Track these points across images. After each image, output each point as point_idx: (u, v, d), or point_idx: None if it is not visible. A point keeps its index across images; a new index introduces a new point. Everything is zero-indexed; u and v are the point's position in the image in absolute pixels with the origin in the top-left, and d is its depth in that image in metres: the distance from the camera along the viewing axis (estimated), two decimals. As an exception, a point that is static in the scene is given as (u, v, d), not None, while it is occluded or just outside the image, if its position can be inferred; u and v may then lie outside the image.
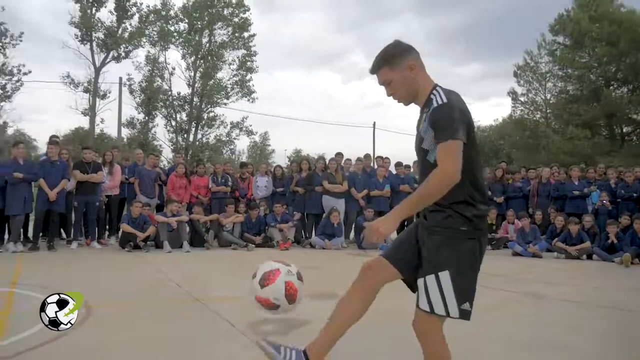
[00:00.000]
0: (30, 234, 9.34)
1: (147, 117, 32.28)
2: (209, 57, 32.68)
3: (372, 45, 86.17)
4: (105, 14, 30.05)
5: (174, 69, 32.62)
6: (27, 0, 48.16)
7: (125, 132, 32.77)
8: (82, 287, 5.71)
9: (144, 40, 30.70)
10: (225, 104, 33.78)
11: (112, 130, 31.75)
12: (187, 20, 32.02)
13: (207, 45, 32.86)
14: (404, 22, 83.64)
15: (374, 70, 2.41)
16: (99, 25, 29.11)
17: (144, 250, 9.17)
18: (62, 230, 9.99)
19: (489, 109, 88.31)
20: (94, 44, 29.38)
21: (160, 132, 33.51)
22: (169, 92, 32.72)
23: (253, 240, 10.14)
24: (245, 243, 9.96)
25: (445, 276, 2.21)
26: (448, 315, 2.23)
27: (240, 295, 5.83)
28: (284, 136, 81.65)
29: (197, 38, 32.34)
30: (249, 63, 33.62)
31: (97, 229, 9.77)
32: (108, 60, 29.88)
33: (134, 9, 30.09)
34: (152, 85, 31.52)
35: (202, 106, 33.21)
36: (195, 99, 33.08)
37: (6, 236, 8.97)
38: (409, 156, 12.99)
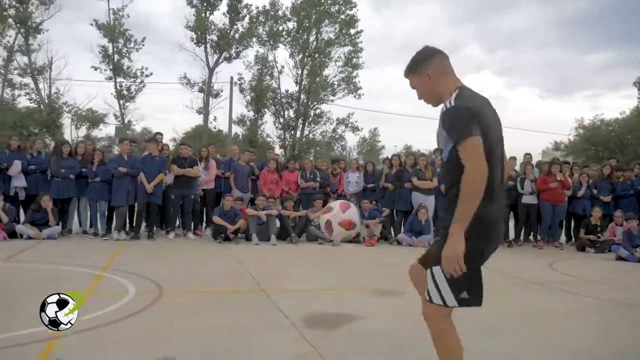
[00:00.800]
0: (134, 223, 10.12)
1: (256, 115, 33.56)
2: (316, 55, 33.25)
3: (490, 38, 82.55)
4: (218, 17, 31.68)
5: (282, 67, 33.60)
6: (154, 6, 51.98)
7: (236, 130, 34.37)
8: (164, 274, 6.17)
9: (254, 40, 31.91)
10: (331, 100, 34.26)
11: (224, 127, 33.37)
12: (295, 19, 32.80)
13: (314, 43, 33.45)
14: (524, 11, 79.33)
15: (405, 76, 2.64)
16: (213, 27, 30.74)
17: (234, 242, 9.58)
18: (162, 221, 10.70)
19: (619, 101, 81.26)
20: (208, 45, 31.09)
21: (269, 129, 34.72)
22: (278, 90, 33.75)
23: (339, 236, 10.22)
24: (331, 238, 10.06)
25: (437, 271, 2.39)
26: (446, 305, 2.40)
27: (308, 287, 5.97)
28: (395, 132, 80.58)
29: (304, 36, 33.04)
30: (354, 59, 33.72)
31: (192, 220, 10.38)
32: (221, 61, 31.49)
33: (245, 10, 31.39)
34: (262, 83, 32.69)
35: (309, 103, 33.88)
36: (302, 96, 33.83)
37: (113, 225, 9.80)
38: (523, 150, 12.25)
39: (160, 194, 9.68)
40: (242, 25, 31.65)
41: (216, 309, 4.76)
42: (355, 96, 34.13)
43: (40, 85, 29.62)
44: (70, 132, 31.72)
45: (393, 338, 4.05)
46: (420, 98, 2.60)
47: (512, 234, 11.15)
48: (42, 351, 3.37)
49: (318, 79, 33.02)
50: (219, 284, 6.06)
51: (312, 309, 4.81)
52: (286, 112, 34.21)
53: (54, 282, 5.74)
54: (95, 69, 29.39)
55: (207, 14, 30.70)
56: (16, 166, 9.35)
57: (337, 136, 36.28)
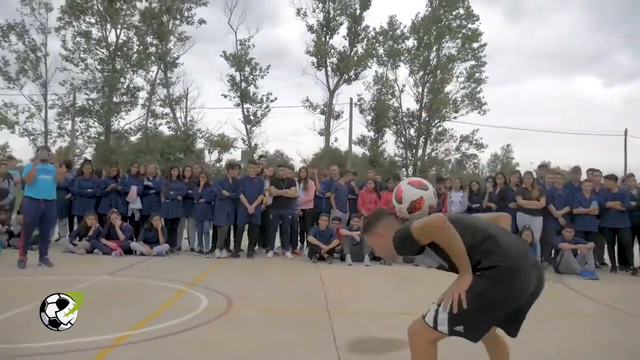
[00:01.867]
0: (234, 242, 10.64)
1: (377, 135, 33.70)
2: (437, 72, 32.73)
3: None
4: (338, 40, 32.49)
5: (404, 85, 33.48)
6: (284, 33, 54.73)
7: (356, 150, 34.78)
8: (242, 291, 6.43)
9: (373, 60, 32.24)
10: (454, 117, 33.40)
11: (344, 147, 33.99)
12: (415, 37, 32.63)
13: (435, 59, 32.96)
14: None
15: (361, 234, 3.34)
16: (332, 51, 31.61)
17: (328, 262, 9.68)
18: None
19: None
20: (329, 68, 32.00)
21: (390, 148, 34.64)
22: (399, 109, 33.65)
23: (438, 258, 9.86)
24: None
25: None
26: (435, 327, 2.53)
27: (375, 309, 5.85)
28: (532, 148, 75.60)
29: (424, 54, 32.71)
30: (477, 74, 32.63)
31: (290, 240, 10.66)
32: (341, 83, 32.21)
33: (364, 32, 31.89)
34: (382, 103, 32.83)
35: (430, 121, 33.33)
36: (423, 114, 33.39)
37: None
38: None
39: (260, 214, 10.09)
40: (362, 47, 32.18)
41: (271, 327, 4.85)
42: (480, 112, 33.00)
43: (178, 114, 32.51)
44: (204, 157, 34.27)
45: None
46: (378, 254, 2.97)
47: (637, 260, 9.98)
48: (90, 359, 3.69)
49: (439, 96, 32.43)
50: (290, 302, 6.15)
51: (366, 332, 4.72)
52: (407, 131, 33.96)
53: (139, 294, 6.25)
54: (225, 96, 31.62)
55: (327, 39, 31.66)
56: (132, 192, 10.35)
57: (468, 154, 35.33)
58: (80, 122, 32.25)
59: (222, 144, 32.43)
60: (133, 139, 32.98)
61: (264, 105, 31.82)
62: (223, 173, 11.50)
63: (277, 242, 10.82)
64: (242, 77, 31.26)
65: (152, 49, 31.11)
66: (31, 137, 31.65)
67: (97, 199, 10.47)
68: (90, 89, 31.41)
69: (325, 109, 32.49)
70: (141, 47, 31.29)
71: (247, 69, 31.12)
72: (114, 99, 31.68)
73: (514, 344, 2.91)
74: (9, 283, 6.75)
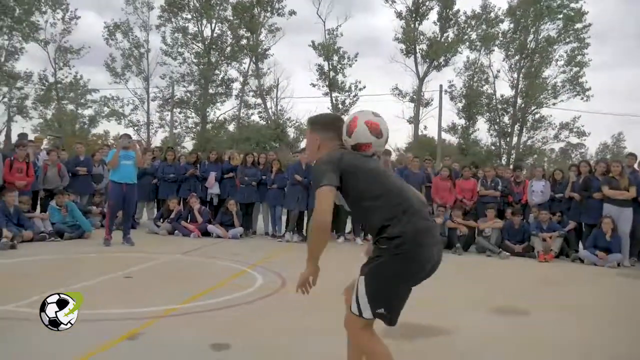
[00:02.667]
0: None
1: (468, 122, 32.68)
2: (535, 55, 31.06)
3: None
4: (428, 26, 31.78)
5: (498, 71, 32.15)
6: (374, 20, 54.33)
7: (447, 138, 33.95)
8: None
9: (464, 46, 31.23)
10: (553, 104, 31.55)
11: (433, 135, 33.30)
12: (510, 19, 31.15)
13: (532, 42, 31.28)
14: None
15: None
16: (422, 37, 30.99)
17: (396, 249, 9.63)
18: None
19: None
20: (418, 55, 31.42)
21: (483, 136, 33.48)
22: (493, 96, 32.37)
23: (512, 249, 9.50)
24: (500, 250, 9.41)
25: (360, 282, 2.55)
26: (361, 315, 2.53)
27: (423, 297, 5.72)
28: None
29: (521, 37, 31.15)
30: (579, 57, 30.55)
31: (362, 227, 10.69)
32: (430, 70, 31.52)
33: (455, 17, 30.93)
34: (474, 90, 31.76)
35: (527, 108, 31.74)
36: (519, 101, 31.88)
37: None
38: None
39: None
40: (453, 32, 31.26)
41: (315, 309, 4.93)
42: (583, 98, 30.93)
43: (268, 104, 33.43)
44: (298, 145, 35.02)
45: (458, 355, 3.79)
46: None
47: None
48: (134, 328, 3.99)
49: (537, 81, 30.76)
50: (341, 288, 6.21)
51: (405, 319, 4.68)
52: (501, 118, 32.60)
53: (201, 272, 6.65)
54: (314, 85, 32.08)
55: (416, 25, 31.07)
56: (212, 178, 10.87)
57: (574, 143, 33.40)
58: (180, 113, 34.16)
59: (311, 132, 32.91)
60: (231, 128, 34.42)
61: (353, 94, 31.94)
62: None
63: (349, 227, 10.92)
64: (330, 66, 31.53)
65: (244, 42, 32.16)
66: (135, 128, 34.01)
67: (180, 184, 11.10)
68: (188, 81, 33.15)
69: (414, 96, 31.99)
70: (234, 40, 32.46)
71: (335, 57, 31.32)
72: (210, 91, 33.16)
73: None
74: (94, 258, 7.42)
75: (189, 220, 10.36)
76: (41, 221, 8.97)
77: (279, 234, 10.59)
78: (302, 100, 39.23)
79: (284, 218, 10.87)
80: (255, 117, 34.08)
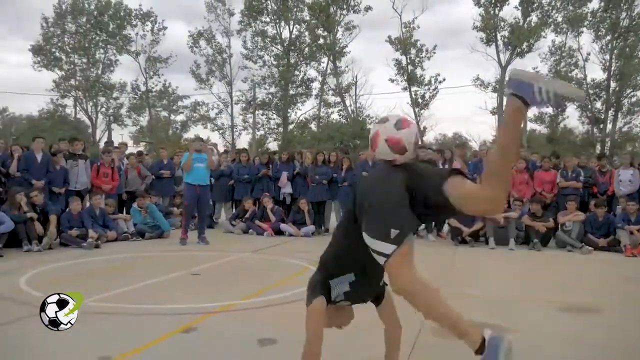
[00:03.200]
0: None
1: (556, 110, 31.01)
2: (628, 34, 28.93)
3: None
4: (508, 11, 30.54)
5: (588, 54, 30.30)
6: (448, 12, 52.86)
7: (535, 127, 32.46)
8: None
9: (549, 29, 29.68)
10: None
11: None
12: (600, -2, 29.24)
13: (625, 20, 29.14)
14: None
15: None
16: (502, 24, 29.80)
17: (470, 245, 9.37)
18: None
19: None
20: (500, 43, 30.25)
21: (573, 124, 31.72)
22: (583, 80, 30.53)
23: (595, 243, 8.95)
24: (582, 244, 8.89)
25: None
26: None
27: (485, 294, 5.58)
28: None
29: (612, 15, 29.13)
30: (681, 33, 28.11)
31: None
32: (513, 57, 30.26)
33: (538, 0, 29.48)
34: (561, 75, 30.10)
35: (621, 91, 29.65)
36: (612, 84, 29.85)
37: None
38: None
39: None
40: (536, 16, 29.82)
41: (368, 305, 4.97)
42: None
43: (347, 102, 33.57)
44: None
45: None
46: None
47: None
48: (189, 322, 4.20)
49: (633, 62, 28.64)
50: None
51: (472, 316, 4.58)
52: (593, 104, 30.67)
53: (267, 269, 6.83)
54: (392, 81, 31.81)
55: (496, 11, 29.92)
56: (283, 177, 11.10)
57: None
58: (262, 114, 35.10)
59: (390, 128, 32.67)
60: (313, 127, 34.90)
61: (432, 87, 31.35)
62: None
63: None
64: (408, 60, 31.12)
65: (321, 41, 32.48)
66: (220, 131, 35.37)
67: (254, 185, 11.44)
68: (269, 83, 33.98)
69: (497, 86, 30.84)
70: (312, 40, 32.87)
71: (413, 51, 30.89)
72: (290, 92, 33.80)
73: None
74: (169, 256, 7.84)
75: (262, 220, 10.66)
76: (124, 222, 9.59)
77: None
78: (382, 96, 38.90)
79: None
80: (335, 116, 34.36)
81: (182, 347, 3.69)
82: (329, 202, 11.11)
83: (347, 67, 33.19)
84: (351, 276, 2.58)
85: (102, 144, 33.56)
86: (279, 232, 10.48)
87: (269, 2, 32.78)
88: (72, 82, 35.10)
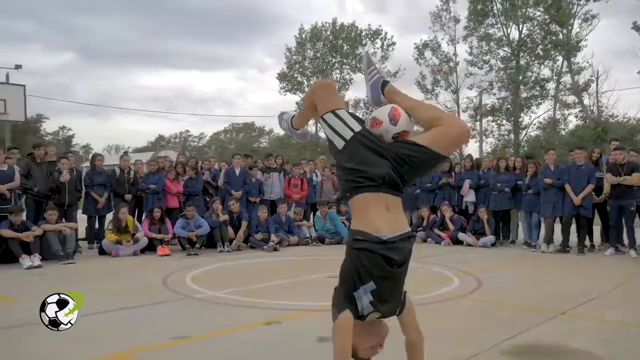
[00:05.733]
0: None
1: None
2: None
3: None
4: None
5: None
6: None
7: None
8: (504, 284, 6.24)
9: None
10: None
11: None
12: None
13: None
14: None
15: None
16: None
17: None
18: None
19: None
20: None
21: None
22: None
23: None
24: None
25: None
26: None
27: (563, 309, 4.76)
28: None
29: None
30: None
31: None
32: None
33: None
34: None
35: None
36: None
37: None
38: None
39: (590, 206, 8.99)
40: None
41: (470, 315, 4.74)
42: None
43: (585, 101, 30.19)
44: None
45: None
46: None
47: None
48: (277, 317, 4.59)
49: None
50: (534, 299, 5.52)
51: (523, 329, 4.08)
52: None
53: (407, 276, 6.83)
54: (644, 73, 27.63)
55: None
56: (466, 185, 10.76)
57: None
58: (493, 120, 33.79)
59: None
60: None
61: None
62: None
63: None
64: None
65: (553, 37, 29.96)
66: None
67: (436, 193, 11.31)
68: (498, 87, 32.60)
69: None
70: (545, 37, 30.54)
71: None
72: (523, 94, 31.90)
73: None
74: (328, 260, 8.13)
75: (441, 228, 10.52)
76: (307, 229, 10.50)
77: (533, 243, 9.77)
78: (628, 92, 33.71)
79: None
80: (572, 118, 31.26)
81: (254, 337, 4.08)
82: (514, 211, 10.42)
83: (586, 62, 29.96)
84: (371, 285, 2.52)
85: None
86: (457, 242, 10.23)
87: (494, 3, 31.57)
88: (311, 102, 38.79)
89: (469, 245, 9.97)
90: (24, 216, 8.07)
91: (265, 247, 9.30)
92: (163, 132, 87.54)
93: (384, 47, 37.05)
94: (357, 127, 2.60)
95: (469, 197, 10.88)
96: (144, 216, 9.65)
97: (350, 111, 2.75)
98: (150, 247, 8.97)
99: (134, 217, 9.53)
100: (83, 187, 9.60)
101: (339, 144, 2.62)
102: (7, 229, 7.54)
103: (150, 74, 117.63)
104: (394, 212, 2.58)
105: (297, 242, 10.06)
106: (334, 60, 38.23)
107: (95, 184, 9.47)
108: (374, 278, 2.51)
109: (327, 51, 37.76)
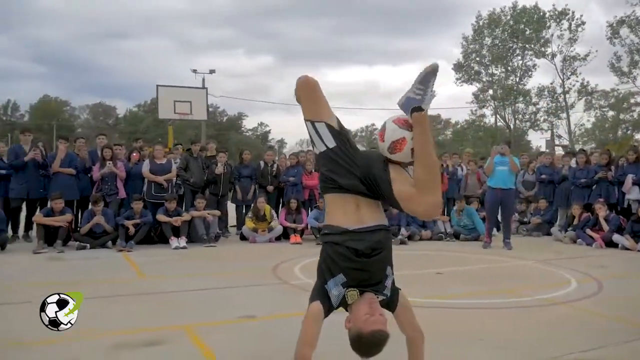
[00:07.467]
0: None
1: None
2: None
3: None
4: None
5: None
6: None
7: None
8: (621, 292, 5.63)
9: None
10: None
11: None
12: None
13: None
14: None
15: None
16: None
17: None
18: None
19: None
20: None
21: None
22: None
23: None
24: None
25: None
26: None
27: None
28: None
29: None
30: None
31: None
32: None
33: None
34: None
35: None
36: None
37: None
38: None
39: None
40: None
41: (527, 320, 4.35)
42: None
43: None
44: None
45: None
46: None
47: None
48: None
49: None
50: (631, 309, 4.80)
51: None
52: None
53: (520, 277, 6.63)
54: None
55: None
56: (628, 181, 9.52)
57: None
58: None
59: None
60: None
61: None
62: None
63: None
64: None
65: None
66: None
67: (591, 189, 10.18)
68: None
69: None
70: None
71: None
72: None
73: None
74: (445, 256, 8.20)
75: (594, 229, 9.46)
76: (442, 223, 10.25)
77: None
78: None
79: None
80: None
81: (283, 324, 4.16)
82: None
83: None
84: (341, 277, 2.61)
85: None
86: (611, 244, 9.12)
87: None
88: (490, 92, 37.01)
89: (626, 249, 8.82)
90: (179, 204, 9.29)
91: (394, 239, 9.34)
92: (350, 127, 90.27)
93: (572, 28, 33.71)
94: (332, 144, 2.63)
95: (633, 194, 9.60)
96: (281, 206, 10.37)
97: (329, 123, 2.67)
98: (286, 235, 9.62)
99: (277, 207, 10.31)
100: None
101: (316, 150, 2.73)
102: (162, 214, 8.77)
103: (336, 71, 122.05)
104: (367, 209, 2.60)
105: (430, 237, 9.90)
106: (514, 46, 35.91)
107: (242, 176, 10.41)
108: (342, 270, 2.57)
109: (508, 37, 35.58)
